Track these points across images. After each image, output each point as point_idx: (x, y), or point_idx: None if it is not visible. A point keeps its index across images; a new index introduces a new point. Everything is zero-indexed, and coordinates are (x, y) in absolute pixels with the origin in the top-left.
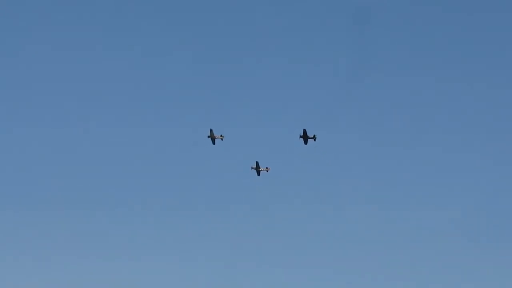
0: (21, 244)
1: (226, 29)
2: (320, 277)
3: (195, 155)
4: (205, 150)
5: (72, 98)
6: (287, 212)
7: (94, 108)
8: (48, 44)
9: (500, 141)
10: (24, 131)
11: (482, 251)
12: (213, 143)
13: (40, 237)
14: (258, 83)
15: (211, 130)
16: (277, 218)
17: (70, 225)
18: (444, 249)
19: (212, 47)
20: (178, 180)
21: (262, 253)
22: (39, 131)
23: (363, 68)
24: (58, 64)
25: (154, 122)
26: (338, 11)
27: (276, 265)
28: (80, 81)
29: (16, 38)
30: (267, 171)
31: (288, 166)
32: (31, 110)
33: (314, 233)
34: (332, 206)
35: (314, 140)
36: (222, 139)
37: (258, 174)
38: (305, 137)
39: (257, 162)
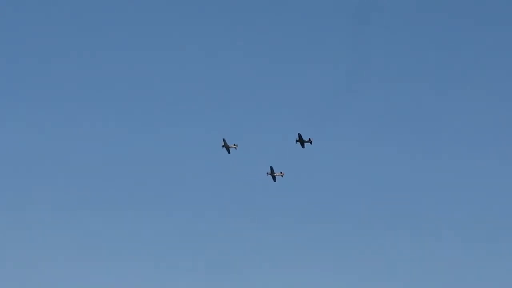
0: (21, 244)
1: (226, 29)
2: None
3: (207, 160)
4: (220, 157)
5: (73, 98)
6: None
7: (95, 108)
8: (49, 44)
9: (501, 141)
10: (24, 131)
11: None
12: (228, 152)
13: (40, 237)
14: (258, 83)
15: (224, 140)
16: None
17: (70, 225)
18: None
19: (212, 46)
20: (190, 180)
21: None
22: (39, 131)
23: (363, 68)
24: (58, 64)
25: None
26: (338, 11)
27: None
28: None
29: (16, 38)
30: (282, 175)
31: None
32: (31, 110)
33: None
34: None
35: (310, 143)
36: (236, 148)
37: (274, 180)
38: (301, 141)
39: (271, 167)
